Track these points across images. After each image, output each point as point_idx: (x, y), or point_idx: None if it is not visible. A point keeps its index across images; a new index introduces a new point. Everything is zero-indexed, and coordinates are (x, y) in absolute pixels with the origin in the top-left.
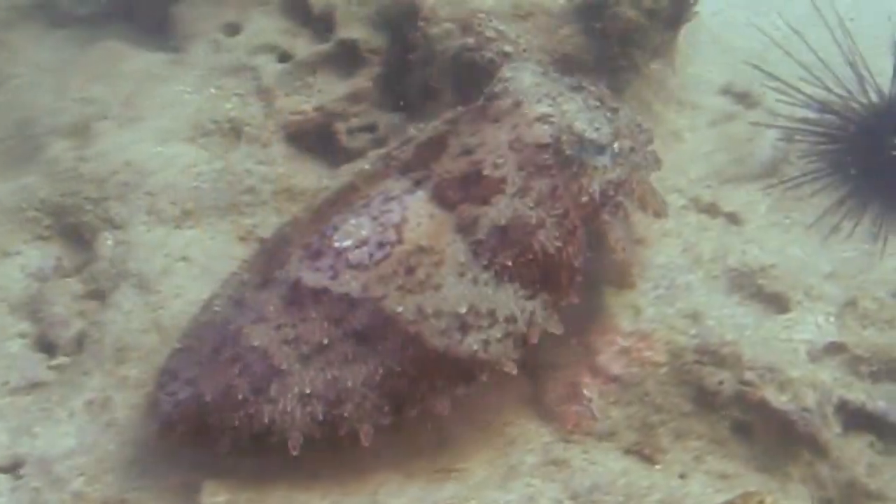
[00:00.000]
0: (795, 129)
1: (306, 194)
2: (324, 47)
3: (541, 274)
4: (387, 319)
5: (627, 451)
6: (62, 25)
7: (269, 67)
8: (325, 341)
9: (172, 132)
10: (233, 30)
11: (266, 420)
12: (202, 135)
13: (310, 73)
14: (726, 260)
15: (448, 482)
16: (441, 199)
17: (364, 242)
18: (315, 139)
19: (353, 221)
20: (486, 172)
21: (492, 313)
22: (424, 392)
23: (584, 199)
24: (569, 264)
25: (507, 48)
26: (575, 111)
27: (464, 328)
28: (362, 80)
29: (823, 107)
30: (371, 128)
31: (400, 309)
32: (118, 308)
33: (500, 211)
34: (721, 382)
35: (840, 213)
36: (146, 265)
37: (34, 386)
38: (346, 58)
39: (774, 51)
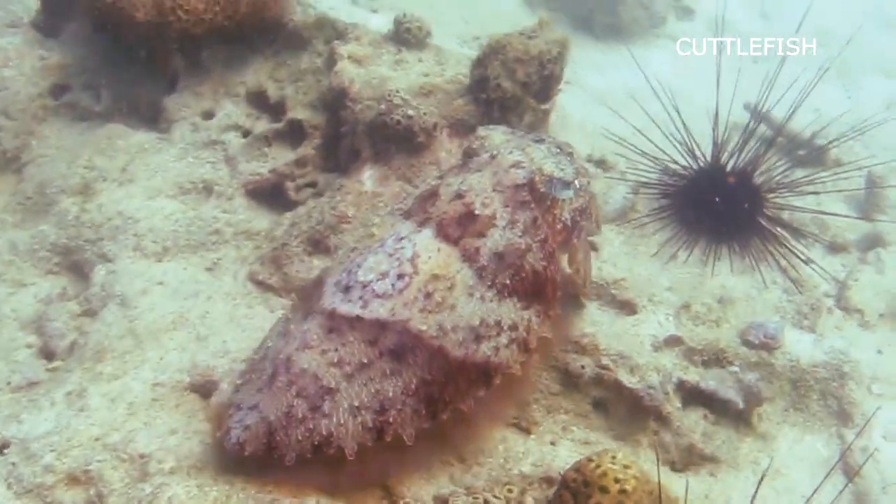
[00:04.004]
0: (640, 185)
1: (260, 234)
2: (277, 125)
3: (532, 289)
4: (414, 337)
5: (507, 424)
6: (82, 119)
7: (235, 141)
8: (365, 360)
9: (158, 190)
10: (208, 115)
11: (324, 432)
12: (182, 192)
13: (266, 145)
14: None
15: None
16: (444, 235)
17: (385, 275)
18: (269, 194)
19: (372, 259)
20: (477, 211)
21: (498, 324)
22: (452, 395)
23: (559, 226)
24: (552, 279)
25: (411, 112)
26: (541, 157)
27: (478, 338)
28: (306, 149)
29: (663, 169)
30: (313, 184)
31: (424, 327)
32: (103, 321)
33: (495, 241)
34: (583, 367)
35: (676, 245)
36: (128, 288)
37: (31, 385)
38: (294, 133)
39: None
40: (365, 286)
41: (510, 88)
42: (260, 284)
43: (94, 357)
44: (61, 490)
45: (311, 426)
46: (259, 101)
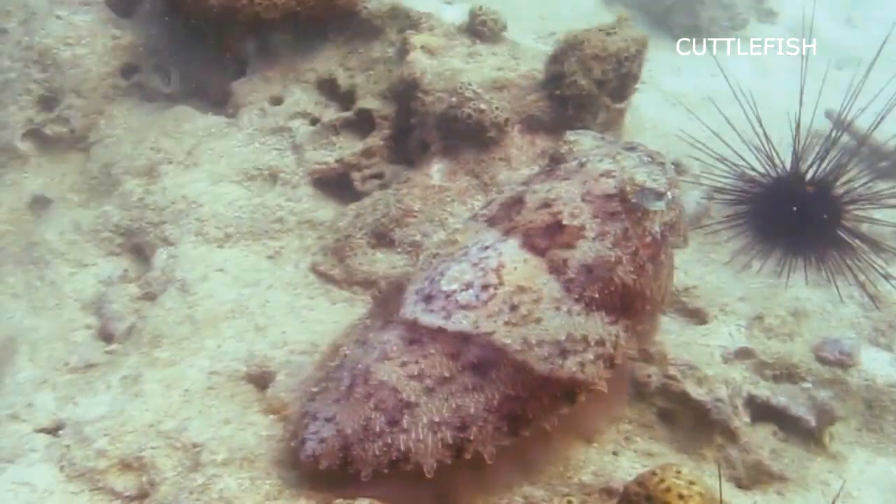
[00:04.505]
0: (715, 190)
1: (323, 224)
2: (346, 114)
3: (621, 303)
4: (497, 351)
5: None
6: (151, 100)
7: (302, 129)
8: (446, 374)
9: (223, 175)
10: (277, 101)
11: (402, 448)
12: (247, 178)
13: (334, 134)
14: None
15: None
16: (530, 245)
17: (469, 285)
18: (335, 183)
19: (456, 268)
20: (565, 222)
21: (584, 339)
22: (535, 413)
23: (648, 239)
24: (642, 294)
25: (482, 106)
26: (632, 165)
27: (563, 353)
28: (375, 140)
29: (739, 175)
30: (380, 176)
31: (508, 341)
32: (162, 305)
33: (584, 252)
34: (649, 376)
35: (750, 255)
36: (189, 273)
37: (88, 367)
38: (363, 123)
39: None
40: (448, 296)
41: (586, 86)
42: (322, 275)
43: (151, 342)
44: (113, 475)
45: (389, 441)
46: (329, 88)
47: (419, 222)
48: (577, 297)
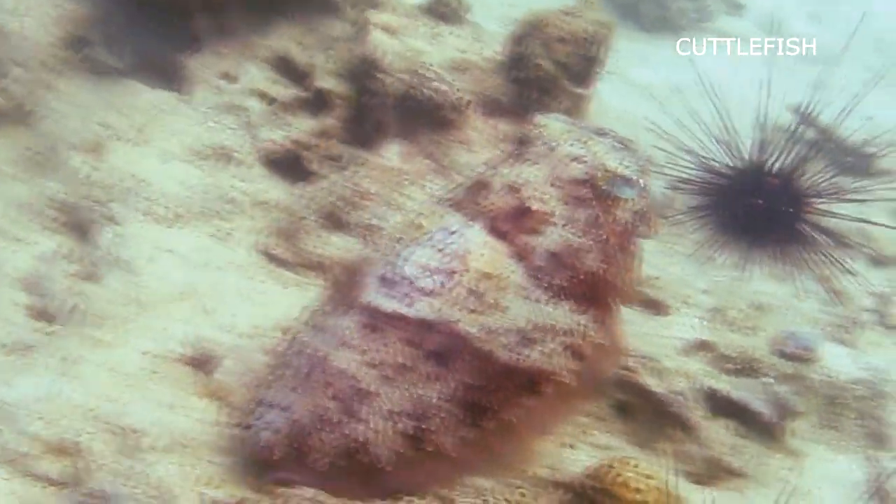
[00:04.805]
0: (679, 181)
1: (276, 206)
2: (302, 93)
3: (589, 292)
4: (460, 339)
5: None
6: (100, 74)
7: (257, 108)
8: (407, 362)
9: (174, 154)
10: (231, 78)
11: (360, 439)
12: (198, 158)
13: (289, 113)
14: None
15: None
16: (496, 231)
17: (432, 271)
18: (289, 164)
19: (419, 253)
20: (533, 207)
21: (551, 328)
22: (499, 404)
23: (619, 227)
24: (611, 283)
25: (443, 87)
26: (604, 151)
27: (528, 343)
28: (331, 120)
29: (703, 167)
30: (336, 157)
31: (472, 329)
32: (106, 286)
33: (552, 239)
34: None
35: (714, 247)
36: (135, 253)
37: (26, 348)
38: (320, 103)
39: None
40: (410, 282)
41: (549, 68)
42: (273, 258)
43: (93, 323)
44: (46, 461)
45: (346, 431)
46: (285, 66)
47: (374, 205)
48: (544, 285)
